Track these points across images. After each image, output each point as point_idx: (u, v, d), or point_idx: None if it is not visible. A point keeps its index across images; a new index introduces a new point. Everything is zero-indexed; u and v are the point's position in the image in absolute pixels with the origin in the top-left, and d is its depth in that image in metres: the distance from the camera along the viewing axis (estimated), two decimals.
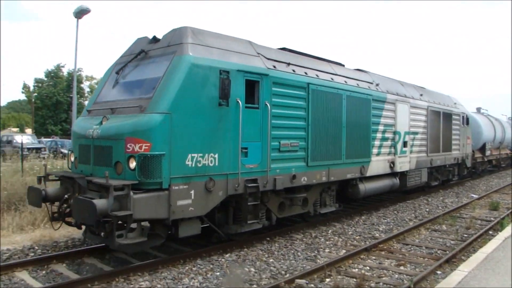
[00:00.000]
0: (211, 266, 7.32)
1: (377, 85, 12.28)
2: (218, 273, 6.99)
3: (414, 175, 14.28)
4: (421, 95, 15.18)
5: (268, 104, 8.25)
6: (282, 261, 7.73)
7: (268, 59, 8.69)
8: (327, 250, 8.46)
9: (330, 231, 10.04)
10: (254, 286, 6.54)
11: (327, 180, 9.99)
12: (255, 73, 8.08)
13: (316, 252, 8.32)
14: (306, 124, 9.30)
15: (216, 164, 7.38)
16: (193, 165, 7.03)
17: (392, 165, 12.72)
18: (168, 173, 6.69)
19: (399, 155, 13.04)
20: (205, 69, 7.20)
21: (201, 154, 7.14)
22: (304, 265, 7.47)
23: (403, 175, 13.68)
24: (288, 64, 9.13)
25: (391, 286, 6.55)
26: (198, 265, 7.33)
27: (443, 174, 17.34)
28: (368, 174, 11.58)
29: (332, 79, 10.33)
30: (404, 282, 6.63)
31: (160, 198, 6.62)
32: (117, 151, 6.79)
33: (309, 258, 7.93)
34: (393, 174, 13.00)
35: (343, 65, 11.99)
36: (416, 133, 14.22)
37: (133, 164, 6.58)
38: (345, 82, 10.81)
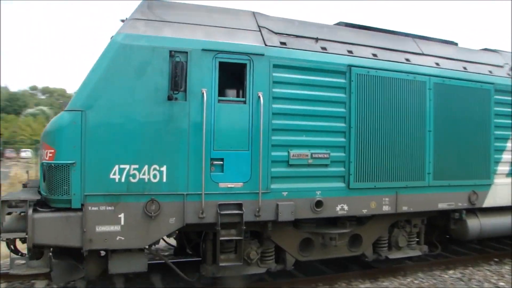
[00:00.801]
0: (434, 281, 7.09)
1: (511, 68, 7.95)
2: None
3: None
4: None
5: (261, 97, 5.72)
6: None
7: (276, 33, 6.13)
8: None
9: None
10: None
11: (392, 210, 6.61)
12: (237, 52, 5.69)
13: None
14: (348, 126, 6.28)
15: (164, 180, 5.32)
16: (123, 180, 5.16)
17: None
18: (80, 189, 5.02)
19: None
20: (143, 51, 5.28)
21: (136, 166, 5.22)
22: None
23: None
24: (317, 39, 6.34)
25: None
26: (420, 279, 7.19)
27: None
28: (487, 204, 7.45)
29: (408, 60, 6.92)
30: None
31: (70, 220, 5.01)
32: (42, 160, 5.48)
33: None
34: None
35: (455, 44, 8.16)
36: None
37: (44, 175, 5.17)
38: (437, 64, 7.15)
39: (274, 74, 5.85)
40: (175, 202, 5.36)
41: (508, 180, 7.74)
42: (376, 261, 7.19)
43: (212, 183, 5.51)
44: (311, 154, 6.03)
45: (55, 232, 4.97)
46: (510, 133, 7.78)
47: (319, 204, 6.04)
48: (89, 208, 5.04)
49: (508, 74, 7.90)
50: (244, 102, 5.72)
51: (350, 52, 6.47)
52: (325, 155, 6.13)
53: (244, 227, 5.62)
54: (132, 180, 5.20)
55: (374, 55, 6.65)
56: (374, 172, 6.46)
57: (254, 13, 6.32)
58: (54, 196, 5.01)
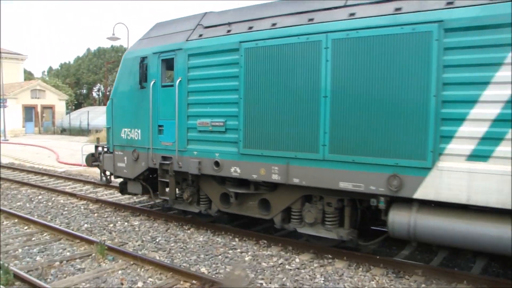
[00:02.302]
0: None
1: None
2: None
3: None
4: None
5: (182, 80, 7.74)
6: None
7: (205, 27, 7.73)
8: None
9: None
10: None
11: (283, 181, 6.54)
12: (169, 50, 7.97)
13: None
14: (240, 98, 6.99)
15: (139, 138, 8.65)
16: (124, 137, 8.98)
17: None
18: (112, 142, 9.29)
19: None
20: (130, 60, 8.75)
21: (129, 129, 8.87)
22: None
23: None
24: (229, 24, 7.33)
25: None
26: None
27: None
28: (422, 195, 5.33)
29: (311, 19, 6.30)
30: None
31: (110, 158, 9.42)
32: None
33: None
34: None
35: None
36: None
37: None
38: (351, 15, 5.90)
39: (189, 62, 7.68)
40: (144, 153, 8.58)
41: (469, 165, 5.01)
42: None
43: (158, 142, 8.26)
44: (211, 122, 7.36)
45: (107, 164, 9.53)
46: (479, 92, 4.95)
47: (217, 164, 7.30)
48: (115, 152, 9.23)
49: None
50: (172, 85, 7.98)
51: (250, 28, 6.96)
52: (221, 123, 7.23)
53: (173, 174, 8.00)
54: (128, 138, 8.91)
55: (274, 24, 6.70)
56: (262, 140, 6.72)
57: (205, 13, 8.13)
58: (107, 145, 9.57)
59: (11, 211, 9.42)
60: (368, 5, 5.91)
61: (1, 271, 5.55)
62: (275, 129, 6.57)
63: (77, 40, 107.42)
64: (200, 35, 7.67)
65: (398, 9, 5.58)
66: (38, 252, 7.02)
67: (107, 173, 9.77)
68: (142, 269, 6.30)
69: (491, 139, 4.95)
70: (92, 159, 9.93)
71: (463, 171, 5.09)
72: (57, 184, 13.18)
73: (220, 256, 6.78)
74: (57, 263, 6.50)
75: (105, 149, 9.65)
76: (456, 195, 5.13)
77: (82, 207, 10.21)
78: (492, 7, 4.92)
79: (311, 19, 6.33)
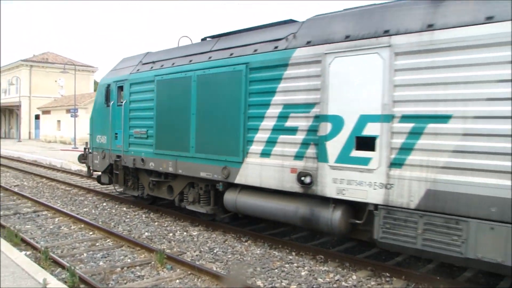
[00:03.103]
0: None
1: (294, 36, 7.32)
2: None
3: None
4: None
5: (126, 101, 10.87)
6: None
7: (143, 63, 10.82)
8: None
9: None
10: None
11: (174, 171, 9.37)
12: (121, 80, 11.15)
13: None
14: (154, 114, 9.94)
15: (105, 142, 11.90)
16: (98, 141, 12.28)
17: (303, 179, 6.80)
18: (92, 145, 12.65)
19: (333, 163, 6.41)
20: (102, 86, 12.08)
21: (100, 136, 12.16)
22: None
23: (371, 214, 6.17)
24: (153, 62, 10.36)
25: None
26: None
27: None
28: (238, 181, 7.90)
29: (191, 61, 9.14)
30: None
31: (91, 157, 12.78)
32: None
33: None
34: (325, 200, 6.71)
35: (293, 21, 8.32)
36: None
37: None
38: (209, 58, 8.67)
39: (130, 89, 10.81)
40: (108, 153, 11.80)
41: (265, 160, 7.48)
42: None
43: (115, 145, 11.43)
44: (140, 131, 10.39)
45: (89, 161, 12.89)
46: (265, 111, 7.45)
47: (142, 160, 10.31)
48: (93, 152, 12.57)
49: (276, 47, 7.41)
50: (121, 105, 11.10)
51: (162, 66, 9.92)
52: (144, 132, 10.24)
53: (122, 167, 11.13)
54: (100, 142, 12.19)
55: (173, 63, 9.60)
56: (164, 143, 9.61)
57: (147, 53, 11.23)
58: (89, 148, 12.95)
59: (78, 216, 10.08)
60: (220, 51, 8.63)
61: (68, 274, 5.84)
62: (171, 135, 9.43)
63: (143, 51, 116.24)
64: (138, 70, 10.78)
65: (231, 54, 8.25)
66: (101, 258, 7.32)
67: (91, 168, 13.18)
68: (199, 280, 6.35)
69: (270, 143, 7.43)
70: (82, 158, 13.39)
71: (257, 164, 7.61)
72: (120, 193, 12.65)
73: (276, 270, 6.77)
74: (118, 269, 6.70)
75: (89, 151, 13.05)
76: (255, 181, 7.65)
77: (143, 216, 10.57)
78: (269, 54, 7.47)
79: (190, 60, 9.16)
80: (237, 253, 7.58)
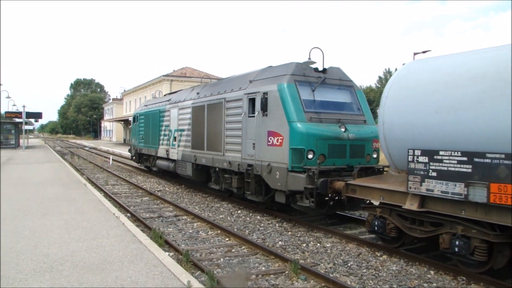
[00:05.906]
0: None
1: (168, 100, 19.02)
2: None
3: (181, 165, 16.64)
4: (198, 93, 15.60)
5: (134, 121, 22.13)
6: None
7: (145, 105, 19.16)
8: None
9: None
10: None
11: (147, 152, 21.56)
12: (134, 115, 22.51)
13: None
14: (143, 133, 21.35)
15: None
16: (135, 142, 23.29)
17: (167, 153, 18.03)
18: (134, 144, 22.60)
19: (171, 146, 17.72)
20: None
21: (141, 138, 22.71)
22: None
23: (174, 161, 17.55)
24: (146, 105, 19.74)
25: None
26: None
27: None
28: (158, 155, 19.56)
29: (169, 99, 20.10)
30: None
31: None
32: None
33: None
34: (171, 160, 17.83)
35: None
36: (182, 130, 16.49)
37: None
38: (168, 100, 20.14)
39: (138, 118, 22.18)
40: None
41: (162, 146, 19.25)
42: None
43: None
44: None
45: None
46: (162, 127, 19.40)
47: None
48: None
49: (166, 105, 19.00)
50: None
51: (145, 105, 19.47)
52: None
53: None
54: (138, 141, 23.65)
55: (154, 103, 16.68)
56: (149, 141, 21.25)
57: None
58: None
59: (215, 222, 10.12)
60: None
61: (207, 277, 5.99)
62: (151, 137, 20.88)
63: None
64: (146, 106, 19.70)
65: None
66: (237, 264, 7.34)
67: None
68: None
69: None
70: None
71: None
72: (252, 202, 12.12)
73: None
74: (253, 276, 6.69)
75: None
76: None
77: (277, 225, 10.41)
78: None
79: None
80: (372, 268, 7.27)
